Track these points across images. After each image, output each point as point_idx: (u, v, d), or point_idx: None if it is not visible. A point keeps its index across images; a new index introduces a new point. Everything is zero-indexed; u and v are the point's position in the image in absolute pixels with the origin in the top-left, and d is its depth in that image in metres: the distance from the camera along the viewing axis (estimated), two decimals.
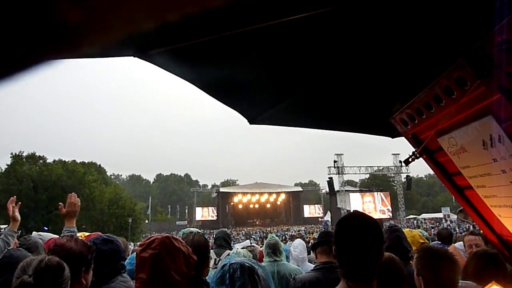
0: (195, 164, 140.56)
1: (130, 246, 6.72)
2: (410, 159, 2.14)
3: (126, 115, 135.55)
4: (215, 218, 55.38)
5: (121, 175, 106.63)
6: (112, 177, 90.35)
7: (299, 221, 57.68)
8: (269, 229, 47.33)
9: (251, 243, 4.38)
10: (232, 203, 60.39)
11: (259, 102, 2.10)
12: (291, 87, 1.98)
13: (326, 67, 1.77)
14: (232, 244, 3.48)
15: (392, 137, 2.57)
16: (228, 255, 2.85)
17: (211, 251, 3.40)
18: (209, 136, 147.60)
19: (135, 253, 1.49)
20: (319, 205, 61.04)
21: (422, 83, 1.81)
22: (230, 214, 57.78)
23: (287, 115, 2.29)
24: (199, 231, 3.44)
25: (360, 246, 1.14)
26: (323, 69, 1.79)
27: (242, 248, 3.23)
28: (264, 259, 3.12)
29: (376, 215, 32.09)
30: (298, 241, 3.81)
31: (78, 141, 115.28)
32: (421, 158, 2.13)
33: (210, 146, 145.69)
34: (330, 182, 33.32)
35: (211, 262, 3.14)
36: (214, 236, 3.88)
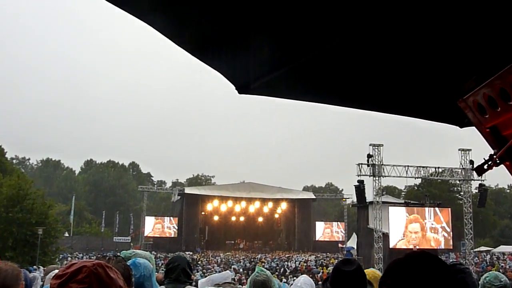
0: (147, 148, 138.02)
1: (36, 275, 6.51)
2: (485, 166, 2.09)
3: (44, 66, 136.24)
4: (174, 234, 55.67)
5: (28, 159, 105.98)
6: (15, 161, 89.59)
7: (308, 246, 57.71)
8: (259, 256, 47.96)
9: (232, 279, 4.45)
10: (203, 213, 60.05)
11: (256, 61, 2.13)
12: (307, 40, 2.00)
13: (361, 13, 1.79)
14: (199, 275, 3.57)
15: (460, 127, 2.60)
16: None
17: None
18: (173, 107, 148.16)
19: None
20: (339, 223, 61.19)
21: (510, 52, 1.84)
22: (199, 229, 57.80)
23: (296, 84, 2.34)
24: (147, 254, 3.52)
25: None
26: (359, 16, 1.81)
27: (215, 287, 3.31)
28: None
29: (425, 243, 32.70)
30: (304, 278, 3.84)
31: None
32: (502, 165, 2.12)
33: (173, 123, 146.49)
34: (360, 188, 33.06)
35: None
36: (167, 264, 3.94)
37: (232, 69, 2.24)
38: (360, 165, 33.23)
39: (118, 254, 2.74)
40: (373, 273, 3.15)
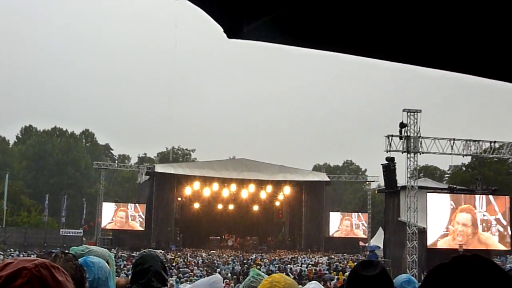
0: (105, 111, 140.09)
1: None
2: None
3: None
4: (141, 226, 56.04)
5: None
6: None
7: (318, 244, 58.75)
8: (254, 256, 48.18)
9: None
10: (180, 199, 60.86)
11: None
12: None
13: None
14: (174, 281, 3.62)
15: None
16: None
17: None
18: (140, 59, 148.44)
19: None
20: (361, 214, 62.02)
21: None
22: (174, 220, 58.28)
23: (304, 23, 2.33)
24: (104, 252, 3.53)
25: None
26: None
27: None
28: None
29: (474, 242, 32.88)
30: (314, 286, 3.96)
31: None
32: None
33: (140, 78, 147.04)
34: (389, 169, 33.84)
35: None
36: (135, 265, 3.96)
37: (221, 6, 2.23)
38: (390, 138, 33.28)
39: (67, 251, 2.75)
40: (284, 280, 3.08)
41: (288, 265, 39.61)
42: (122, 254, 44.16)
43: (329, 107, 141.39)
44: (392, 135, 33.02)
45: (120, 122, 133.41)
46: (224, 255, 49.22)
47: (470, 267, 1.39)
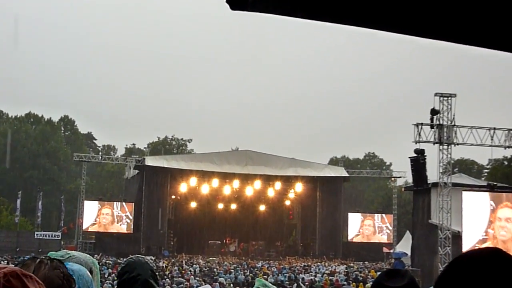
0: (87, 96, 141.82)
1: None
2: None
3: None
4: (129, 229, 56.00)
5: None
6: None
7: (335, 250, 59.10)
8: (260, 264, 48.53)
9: None
10: (174, 197, 61.04)
11: None
12: None
13: None
14: None
15: None
16: None
17: None
18: (128, 37, 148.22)
19: None
20: (385, 215, 62.14)
21: None
22: (168, 222, 58.43)
23: None
24: (86, 258, 3.54)
25: None
26: None
27: None
28: None
29: None
30: None
31: None
32: None
33: (128, 58, 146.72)
34: (419, 163, 33.88)
35: None
36: (121, 273, 3.96)
37: None
38: (420, 127, 33.27)
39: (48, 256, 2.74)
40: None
41: (300, 275, 39.54)
42: (107, 261, 43.95)
43: (349, 89, 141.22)
44: (421, 124, 32.90)
45: (105, 107, 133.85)
46: (226, 262, 49.09)
47: (489, 262, 1.39)
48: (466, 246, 33.14)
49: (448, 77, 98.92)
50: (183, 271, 40.17)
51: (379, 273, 4.10)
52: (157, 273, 3.85)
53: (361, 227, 60.19)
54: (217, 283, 28.88)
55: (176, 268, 42.23)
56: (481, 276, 1.34)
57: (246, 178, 57.89)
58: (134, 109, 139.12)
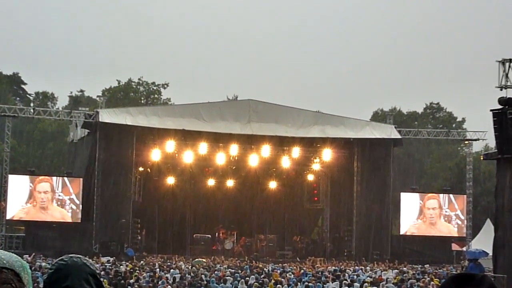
0: (11, 20, 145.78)
1: None
2: None
3: None
4: (75, 217, 57.15)
5: None
6: None
7: (382, 248, 59.52)
8: (270, 268, 48.72)
9: None
10: (142, 168, 62.75)
11: None
12: None
13: None
14: None
15: None
16: None
17: None
18: None
19: None
20: (455, 196, 62.72)
21: None
22: (132, 206, 58.83)
23: None
24: (5, 257, 3.74)
25: None
26: None
27: None
28: None
29: None
30: None
31: None
32: None
33: None
34: (505, 118, 34.11)
35: None
36: (47, 281, 3.92)
37: None
38: (508, 65, 33.47)
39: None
40: None
41: (329, 283, 40.40)
42: (43, 263, 42.75)
43: (400, 17, 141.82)
44: (510, 60, 33.18)
45: (38, 39, 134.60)
46: (219, 266, 47.70)
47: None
48: None
49: None
50: (155, 278, 40.87)
51: (445, 279, 4.04)
52: (105, 280, 4.01)
53: (420, 214, 58.74)
54: None
55: (145, 274, 42.60)
56: None
57: (249, 141, 56.53)
58: (82, 40, 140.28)
